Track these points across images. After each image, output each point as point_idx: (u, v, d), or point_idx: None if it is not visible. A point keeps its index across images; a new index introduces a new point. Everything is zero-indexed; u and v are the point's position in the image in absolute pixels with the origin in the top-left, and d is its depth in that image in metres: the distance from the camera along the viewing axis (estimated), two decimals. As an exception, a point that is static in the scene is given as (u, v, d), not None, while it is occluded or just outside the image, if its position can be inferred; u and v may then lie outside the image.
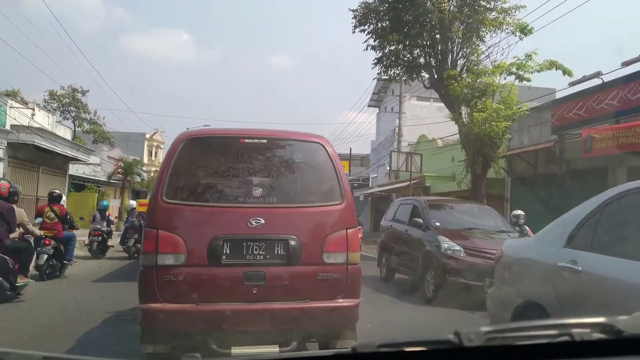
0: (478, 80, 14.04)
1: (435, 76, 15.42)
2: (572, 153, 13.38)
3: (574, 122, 13.10)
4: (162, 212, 3.97)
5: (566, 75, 13.62)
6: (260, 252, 3.93)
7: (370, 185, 37.68)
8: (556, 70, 13.71)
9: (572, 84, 13.27)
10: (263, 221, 3.94)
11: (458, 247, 7.77)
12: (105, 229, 13.63)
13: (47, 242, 9.13)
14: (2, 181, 7.78)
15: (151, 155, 74.40)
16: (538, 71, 13.90)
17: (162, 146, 77.34)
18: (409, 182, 24.50)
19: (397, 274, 9.56)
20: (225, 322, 3.85)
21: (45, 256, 9.00)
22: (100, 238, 13.27)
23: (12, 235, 7.31)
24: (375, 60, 16.58)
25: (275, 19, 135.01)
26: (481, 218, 8.68)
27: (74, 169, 33.66)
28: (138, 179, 28.85)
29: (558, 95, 17.47)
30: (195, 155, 4.23)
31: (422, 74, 16.00)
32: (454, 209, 9.10)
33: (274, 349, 3.74)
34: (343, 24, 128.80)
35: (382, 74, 16.76)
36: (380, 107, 47.86)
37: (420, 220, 8.32)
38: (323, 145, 4.32)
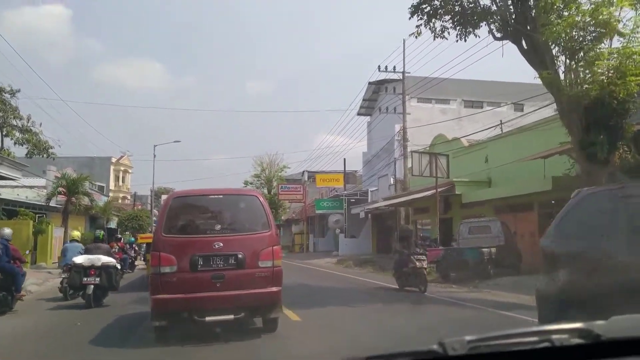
0: (593, 15, 9.00)
1: (513, 19, 10.31)
2: None
3: None
4: (162, 242, 6.34)
5: None
6: (221, 262, 6.29)
7: (369, 200, 32.34)
8: None
9: None
10: (222, 244, 6.31)
11: None
12: (133, 254, 20.72)
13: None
14: (101, 230, 14.25)
15: (118, 180, 67.75)
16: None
17: (130, 170, 70.65)
18: (434, 190, 19.43)
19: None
20: (201, 303, 6.24)
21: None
22: (130, 260, 19.06)
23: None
24: (412, 8, 11.47)
25: (249, 43, 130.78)
26: None
27: (13, 193, 27.67)
28: (86, 201, 22.71)
29: None
30: (180, 206, 6.89)
31: (490, 20, 10.82)
32: None
33: (230, 317, 6.16)
34: (316, 46, 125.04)
35: (423, 26, 11.56)
36: (372, 115, 43.05)
37: None
38: (257, 197, 7.06)
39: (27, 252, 10.88)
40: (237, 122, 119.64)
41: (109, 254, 10.68)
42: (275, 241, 6.66)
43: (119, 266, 10.98)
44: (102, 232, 12.47)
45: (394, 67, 28.29)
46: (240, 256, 6.23)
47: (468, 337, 1.37)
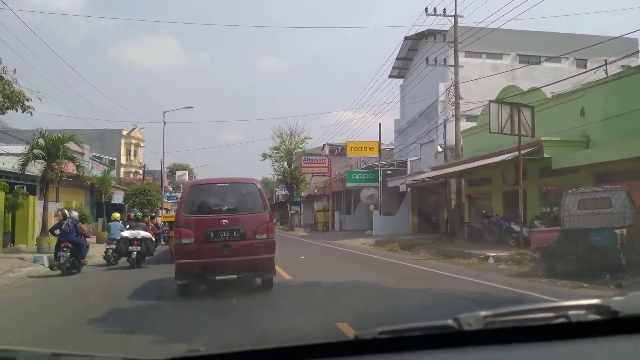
0: None
1: None
2: None
3: None
4: (182, 220, 8.41)
5: None
6: (227, 235, 8.23)
7: (409, 172, 27.68)
8: None
9: None
10: (228, 221, 8.28)
11: None
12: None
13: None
14: (140, 212, 21.64)
15: (129, 155, 63.84)
16: None
17: (142, 144, 66.51)
18: (516, 153, 14.78)
19: None
20: (212, 267, 8.25)
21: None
22: (164, 235, 21.08)
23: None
24: None
25: (264, 20, 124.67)
26: None
27: (-2, 162, 23.64)
28: (72, 167, 18.41)
29: None
30: (196, 192, 9.13)
31: None
32: None
33: (234, 276, 8.26)
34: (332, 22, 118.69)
35: None
36: (405, 77, 38.00)
37: None
38: (255, 184, 9.21)
39: None
40: (256, 94, 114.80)
41: (146, 229, 14.65)
42: (270, 219, 8.70)
43: (153, 239, 15.22)
44: (141, 213, 19.22)
45: (444, 9, 23.27)
46: (242, 230, 8.30)
47: (483, 313, 1.36)
